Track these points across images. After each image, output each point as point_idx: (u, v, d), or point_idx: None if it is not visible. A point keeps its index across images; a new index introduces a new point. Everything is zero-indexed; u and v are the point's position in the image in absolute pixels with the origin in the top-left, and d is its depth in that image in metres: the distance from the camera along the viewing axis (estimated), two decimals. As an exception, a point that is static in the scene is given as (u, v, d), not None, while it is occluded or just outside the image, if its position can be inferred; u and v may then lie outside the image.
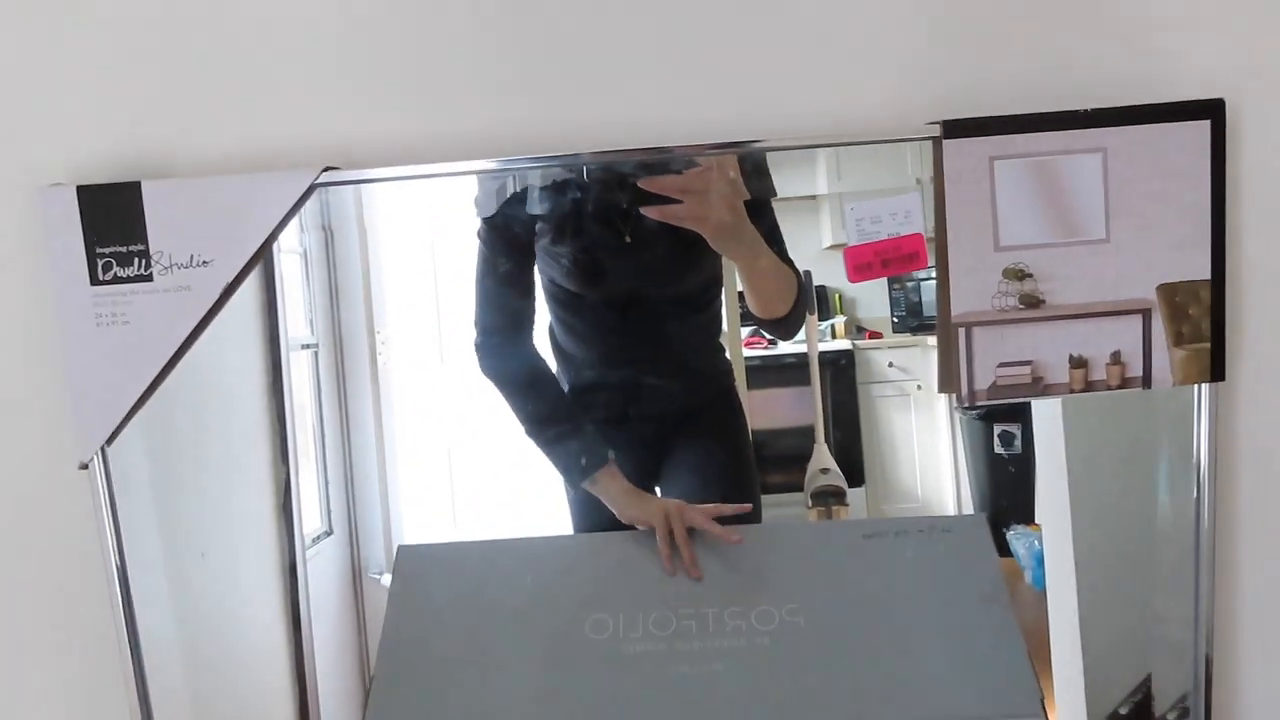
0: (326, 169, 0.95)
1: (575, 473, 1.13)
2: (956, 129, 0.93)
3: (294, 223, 1.04)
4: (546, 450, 1.13)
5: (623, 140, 0.98)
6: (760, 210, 1.04)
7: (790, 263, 1.08)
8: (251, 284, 1.01)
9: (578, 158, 0.98)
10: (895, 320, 1.22)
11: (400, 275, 1.18)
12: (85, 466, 0.97)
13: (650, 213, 1.00)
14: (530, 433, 1.13)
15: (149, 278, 0.95)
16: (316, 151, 0.98)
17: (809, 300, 1.11)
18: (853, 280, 0.98)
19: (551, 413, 1.15)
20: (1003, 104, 0.95)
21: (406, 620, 1.09)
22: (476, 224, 1.09)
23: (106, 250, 0.95)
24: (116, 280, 0.95)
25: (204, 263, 0.95)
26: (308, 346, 1.16)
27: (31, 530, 1.06)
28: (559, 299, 1.13)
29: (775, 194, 1.04)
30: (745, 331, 1.14)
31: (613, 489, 1.12)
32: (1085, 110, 0.93)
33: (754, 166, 1.02)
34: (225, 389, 1.07)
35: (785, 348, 1.17)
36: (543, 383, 1.14)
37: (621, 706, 1.03)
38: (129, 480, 1.00)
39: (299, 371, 1.14)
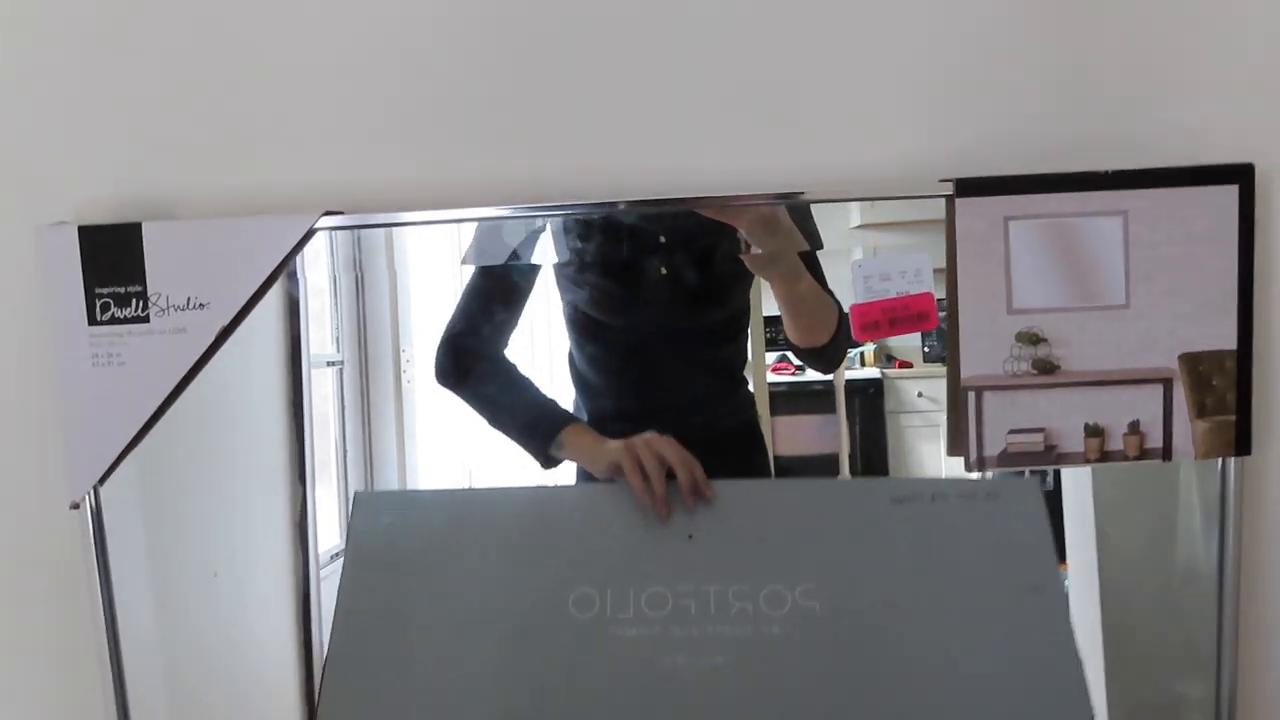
0: (326, 213, 0.94)
1: (537, 442, 1.07)
2: (970, 188, 0.90)
3: (324, 244, 1.03)
4: (510, 433, 1.08)
5: (632, 190, 0.96)
6: (807, 260, 1.02)
7: (831, 293, 1.05)
8: (278, 297, 1.00)
9: (615, 205, 0.96)
10: (926, 350, 1.19)
11: (427, 295, 1.17)
12: (76, 506, 0.97)
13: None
14: (492, 421, 1.09)
15: (145, 319, 0.95)
16: (322, 195, 0.97)
17: (850, 333, 1.08)
18: (859, 339, 0.95)
19: (510, 393, 1.10)
20: (1019, 163, 0.91)
21: (365, 590, 0.98)
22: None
23: (105, 290, 0.95)
24: (114, 321, 0.95)
25: (200, 305, 0.95)
26: (333, 363, 1.16)
27: (28, 566, 1.06)
28: (581, 325, 1.10)
29: (821, 246, 1.02)
30: (771, 357, 1.11)
31: (581, 446, 1.05)
32: (1106, 171, 0.89)
33: (800, 218, 0.99)
34: (247, 402, 1.06)
35: (812, 374, 1.14)
36: (507, 376, 1.10)
37: (606, 703, 0.92)
38: (143, 494, 1.00)
39: (323, 388, 1.13)
